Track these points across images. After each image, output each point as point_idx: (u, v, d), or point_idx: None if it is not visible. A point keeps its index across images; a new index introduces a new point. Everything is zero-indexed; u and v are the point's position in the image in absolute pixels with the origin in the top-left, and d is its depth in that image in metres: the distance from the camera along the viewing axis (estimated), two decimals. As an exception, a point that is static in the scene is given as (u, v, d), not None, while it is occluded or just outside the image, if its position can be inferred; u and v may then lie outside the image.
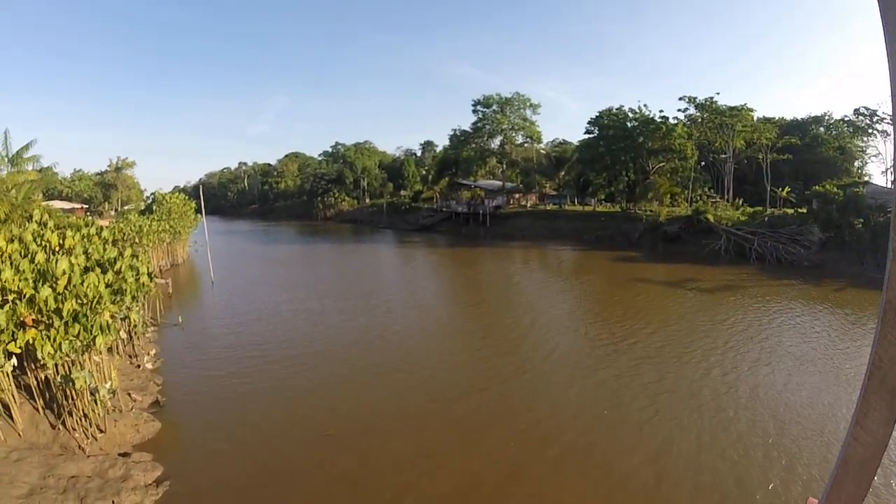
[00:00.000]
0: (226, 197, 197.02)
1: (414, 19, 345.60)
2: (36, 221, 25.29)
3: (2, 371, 15.01)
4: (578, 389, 21.57)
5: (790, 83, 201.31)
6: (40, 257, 18.61)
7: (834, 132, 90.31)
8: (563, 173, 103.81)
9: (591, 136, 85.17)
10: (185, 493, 14.34)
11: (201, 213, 61.30)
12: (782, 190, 69.38)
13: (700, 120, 77.26)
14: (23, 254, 19.35)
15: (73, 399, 16.43)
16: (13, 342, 14.90)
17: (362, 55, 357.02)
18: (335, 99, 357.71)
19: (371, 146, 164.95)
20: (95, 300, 17.53)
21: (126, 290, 20.49)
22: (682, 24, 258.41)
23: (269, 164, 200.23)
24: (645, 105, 79.23)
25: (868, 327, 29.90)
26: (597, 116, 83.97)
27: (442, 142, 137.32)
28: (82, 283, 17.36)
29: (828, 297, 37.72)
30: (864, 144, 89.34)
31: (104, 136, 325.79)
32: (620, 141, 78.47)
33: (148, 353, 24.86)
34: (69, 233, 22.96)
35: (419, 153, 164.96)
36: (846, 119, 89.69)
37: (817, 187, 58.87)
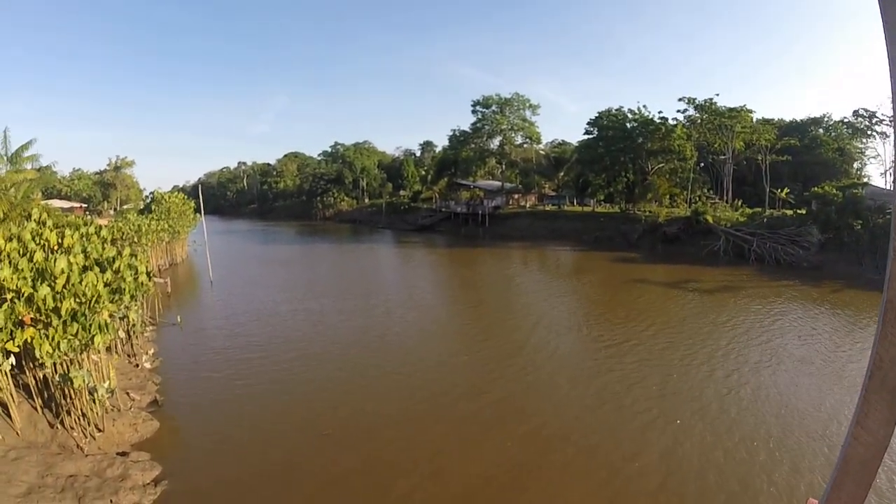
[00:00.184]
0: (225, 196, 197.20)
1: (414, 19, 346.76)
2: (35, 220, 25.24)
3: (0, 370, 14.99)
4: (581, 391, 21.51)
5: (789, 85, 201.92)
6: (39, 256, 18.56)
7: (833, 134, 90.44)
8: (562, 174, 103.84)
9: (591, 136, 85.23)
10: (184, 492, 14.32)
11: (200, 213, 61.25)
12: (781, 191, 69.45)
13: (699, 121, 77.32)
14: (21, 252, 19.31)
15: (71, 398, 16.39)
16: (11, 341, 14.86)
17: (362, 55, 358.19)
18: (335, 99, 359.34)
19: (370, 146, 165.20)
20: (94, 299, 17.49)
21: (125, 290, 20.45)
22: (681, 24, 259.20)
23: (269, 164, 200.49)
24: (644, 106, 79.41)
25: (868, 328, 29.93)
26: (596, 117, 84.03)
27: (441, 142, 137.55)
28: (81, 282, 17.32)
29: (827, 299, 37.73)
30: (862, 146, 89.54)
31: (104, 135, 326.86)
32: (620, 142, 78.50)
33: (146, 353, 24.82)
34: (68, 232, 22.92)
35: (418, 153, 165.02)
36: (845, 121, 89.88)
37: (816, 189, 58.97)
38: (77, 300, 16.76)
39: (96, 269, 19.15)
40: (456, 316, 36.57)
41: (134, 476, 14.45)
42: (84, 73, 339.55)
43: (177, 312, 33.28)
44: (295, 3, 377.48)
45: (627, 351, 26.30)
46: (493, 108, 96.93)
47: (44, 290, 15.79)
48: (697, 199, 74.58)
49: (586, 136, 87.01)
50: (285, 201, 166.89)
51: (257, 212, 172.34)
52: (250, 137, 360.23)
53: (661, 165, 76.37)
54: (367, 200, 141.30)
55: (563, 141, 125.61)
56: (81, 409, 16.56)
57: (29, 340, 15.17)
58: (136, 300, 23.13)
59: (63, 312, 15.91)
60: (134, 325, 24.86)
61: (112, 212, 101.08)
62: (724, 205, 71.76)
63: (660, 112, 78.30)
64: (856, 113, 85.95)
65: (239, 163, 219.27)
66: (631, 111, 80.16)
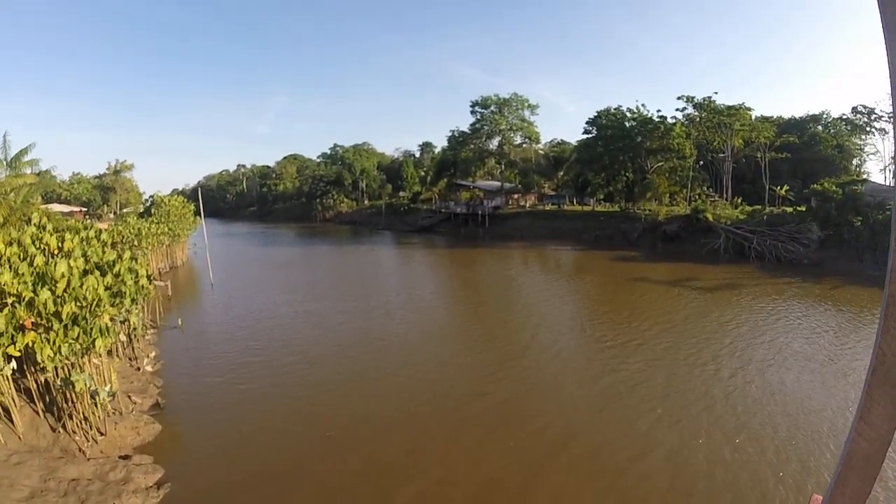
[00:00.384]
0: (224, 199, 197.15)
1: (414, 19, 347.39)
2: (35, 224, 25.25)
3: (1, 374, 14.99)
4: (586, 391, 21.49)
5: (789, 85, 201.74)
6: (39, 260, 18.57)
7: (832, 130, 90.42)
8: (561, 173, 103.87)
9: (590, 136, 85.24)
10: (186, 495, 14.31)
11: (200, 216, 61.26)
12: (781, 188, 69.49)
13: (698, 119, 77.31)
14: (22, 257, 19.33)
15: (73, 402, 16.39)
16: (13, 345, 14.87)
17: (361, 56, 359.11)
18: (334, 100, 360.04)
19: (369, 147, 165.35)
20: (95, 303, 17.50)
21: (125, 293, 20.48)
22: (681, 24, 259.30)
23: (268, 166, 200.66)
24: (643, 105, 79.42)
25: (869, 325, 29.94)
26: (595, 116, 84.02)
27: (440, 143, 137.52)
28: (81, 286, 17.33)
29: (828, 295, 37.72)
30: (862, 142, 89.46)
31: (103, 136, 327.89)
32: (619, 141, 78.51)
33: (148, 356, 24.83)
34: (68, 236, 22.94)
35: (418, 154, 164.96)
36: (844, 117, 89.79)
37: (816, 185, 58.95)
38: (78, 304, 16.76)
39: (97, 272, 19.17)
40: (457, 317, 36.56)
41: (136, 479, 14.45)
42: (83, 74, 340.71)
43: (178, 315, 33.26)
44: (295, 3, 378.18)
45: (631, 351, 26.26)
46: (492, 108, 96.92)
47: (44, 295, 15.80)
48: (697, 197, 74.60)
49: (585, 136, 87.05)
50: (285, 203, 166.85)
51: (257, 214, 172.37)
52: (249, 139, 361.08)
53: (660, 164, 76.33)
54: (366, 202, 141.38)
55: (562, 140, 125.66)
56: (83, 413, 16.56)
57: (30, 345, 15.17)
58: (136, 303, 23.15)
59: (64, 316, 15.91)
60: (135, 329, 24.84)
61: (112, 215, 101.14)
62: (723, 203, 71.75)
63: (658, 111, 78.46)
64: (855, 110, 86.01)
65: (238, 165, 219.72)
66: (630, 110, 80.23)
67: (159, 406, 20.19)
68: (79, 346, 16.08)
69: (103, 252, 22.72)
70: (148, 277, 24.09)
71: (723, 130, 75.53)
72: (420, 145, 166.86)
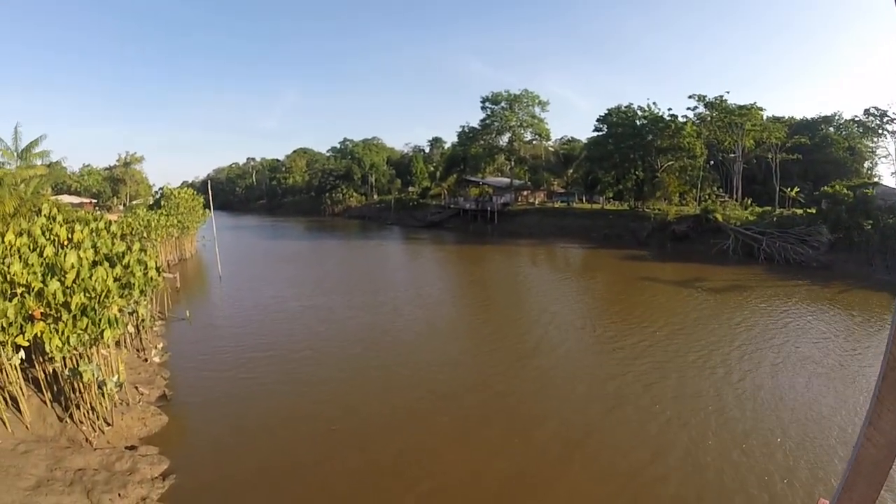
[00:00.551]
0: (234, 192, 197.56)
1: (425, 15, 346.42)
2: (45, 216, 25.40)
3: (10, 364, 15.11)
4: (598, 392, 21.40)
5: (800, 83, 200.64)
6: (49, 251, 18.70)
7: (844, 132, 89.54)
8: (571, 171, 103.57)
9: (600, 133, 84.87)
10: (191, 486, 14.40)
11: (209, 208, 61.42)
12: (791, 190, 69.05)
13: (709, 119, 76.81)
14: (32, 247, 19.45)
15: (80, 392, 16.51)
16: (21, 335, 14.98)
17: (371, 51, 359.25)
18: (343, 95, 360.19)
19: (379, 142, 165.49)
20: (104, 294, 17.59)
21: (134, 285, 20.58)
22: (689, 23, 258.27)
23: (278, 160, 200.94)
24: (654, 103, 78.93)
25: (879, 330, 29.75)
26: (606, 114, 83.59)
27: (450, 138, 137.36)
28: (91, 277, 17.43)
29: (837, 299, 37.46)
30: (874, 145, 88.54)
31: (113, 131, 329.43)
32: (629, 139, 78.09)
33: (155, 347, 24.94)
34: (78, 227, 23.08)
35: (427, 150, 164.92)
36: (856, 119, 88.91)
37: (826, 188, 58.48)
38: (87, 295, 16.86)
39: (106, 264, 19.27)
40: (466, 314, 36.54)
41: (142, 470, 14.54)
42: (95, 70, 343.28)
43: (186, 307, 33.47)
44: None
45: (642, 352, 26.11)
46: (503, 104, 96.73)
47: (54, 285, 15.91)
48: (707, 197, 74.16)
49: (596, 133, 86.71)
50: (294, 197, 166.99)
51: (266, 207, 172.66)
52: (259, 133, 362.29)
53: (670, 163, 75.92)
54: (375, 197, 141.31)
55: (572, 138, 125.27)
56: (90, 403, 16.67)
57: (39, 335, 15.28)
58: (145, 295, 23.29)
59: (73, 307, 16.02)
60: (143, 320, 25.00)
61: (121, 207, 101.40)
62: (733, 203, 71.27)
63: (669, 109, 77.98)
64: (867, 112, 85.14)
65: (248, 158, 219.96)
66: (641, 108, 79.75)
67: (166, 397, 20.30)
68: (87, 337, 16.18)
69: (113, 243, 22.84)
70: (157, 269, 24.20)
71: (734, 130, 75.05)
72: (430, 140, 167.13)
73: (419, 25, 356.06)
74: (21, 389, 15.47)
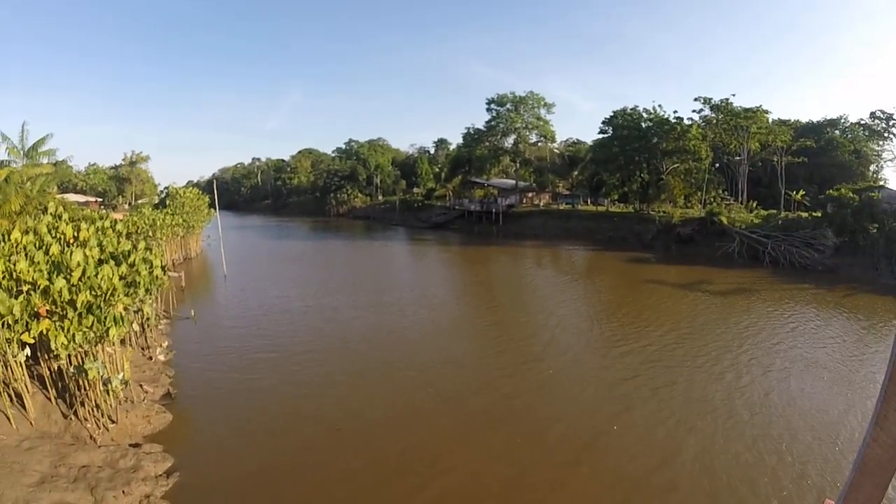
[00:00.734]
0: (239, 192, 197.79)
1: (431, 17, 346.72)
2: (51, 214, 25.51)
3: (15, 361, 15.17)
4: (605, 396, 21.35)
5: (808, 84, 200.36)
6: (55, 249, 18.79)
7: (849, 136, 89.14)
8: (576, 173, 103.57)
9: (605, 135, 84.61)
10: (195, 484, 14.45)
11: (215, 208, 61.52)
12: (797, 193, 68.86)
13: (715, 121, 76.59)
14: (38, 245, 19.55)
15: (85, 389, 16.58)
16: (27, 332, 15.04)
17: (376, 52, 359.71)
18: (349, 96, 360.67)
19: (384, 143, 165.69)
20: (109, 292, 17.66)
21: (140, 283, 20.64)
22: (693, 24, 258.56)
23: (283, 160, 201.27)
24: (659, 105, 78.66)
25: (886, 333, 29.66)
26: (611, 116, 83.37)
27: (455, 140, 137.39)
28: (96, 275, 17.50)
29: (842, 303, 37.31)
30: (879, 148, 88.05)
31: (119, 130, 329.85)
32: (634, 141, 77.87)
33: (160, 346, 25.02)
34: (83, 225, 23.17)
35: (432, 151, 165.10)
36: (862, 122, 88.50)
37: (832, 191, 58.32)
38: (93, 293, 16.92)
39: (112, 262, 19.34)
40: (471, 316, 36.49)
41: (146, 467, 14.59)
42: (101, 70, 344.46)
43: (191, 306, 33.52)
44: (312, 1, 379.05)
45: (649, 356, 26.02)
46: (508, 106, 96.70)
47: (59, 283, 15.97)
48: (712, 199, 73.90)
49: (601, 136, 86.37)
50: (299, 197, 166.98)
51: (271, 207, 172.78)
52: (264, 133, 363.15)
53: (675, 165, 75.73)
54: (380, 197, 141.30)
55: (577, 140, 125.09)
56: (95, 401, 16.74)
57: (44, 332, 15.34)
58: (150, 294, 23.33)
59: (79, 305, 16.07)
60: (148, 319, 25.06)
61: (127, 206, 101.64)
62: (738, 206, 71.06)
63: (675, 112, 77.79)
64: (873, 115, 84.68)
65: (253, 158, 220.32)
66: (646, 111, 79.53)
67: (170, 396, 20.38)
68: (93, 335, 16.25)
69: (118, 242, 22.93)
70: (162, 268, 24.25)
71: (739, 133, 74.82)
72: (435, 142, 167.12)
73: (424, 27, 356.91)
74: (26, 386, 15.53)
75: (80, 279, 17.03)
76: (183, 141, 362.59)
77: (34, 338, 15.24)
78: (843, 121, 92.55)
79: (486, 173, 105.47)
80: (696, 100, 77.76)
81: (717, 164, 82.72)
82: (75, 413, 16.34)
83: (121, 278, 18.91)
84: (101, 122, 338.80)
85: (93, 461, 14.29)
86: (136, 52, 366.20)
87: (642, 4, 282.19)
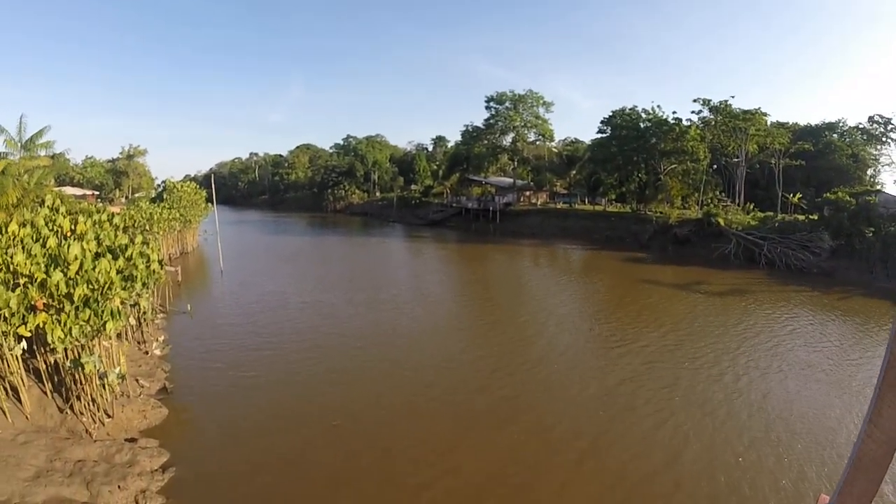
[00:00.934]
0: (236, 187, 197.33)
1: (433, 14, 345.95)
2: (48, 206, 25.45)
3: (12, 354, 15.14)
4: (594, 391, 21.51)
5: (812, 84, 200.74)
6: (52, 242, 18.74)
7: (847, 139, 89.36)
8: (574, 172, 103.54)
9: (604, 135, 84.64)
10: (191, 479, 14.45)
11: (212, 203, 61.43)
12: (794, 196, 68.95)
13: (713, 123, 76.68)
14: (35, 238, 19.49)
15: (81, 383, 16.55)
16: (24, 326, 15.02)
17: (376, 49, 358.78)
18: (347, 92, 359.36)
19: (382, 140, 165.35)
20: (106, 286, 17.64)
21: (137, 277, 20.62)
22: (696, 25, 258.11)
23: (281, 155, 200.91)
24: (658, 106, 78.71)
25: (878, 336, 29.77)
26: (610, 116, 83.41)
27: (453, 137, 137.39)
28: (94, 269, 17.47)
29: (837, 306, 37.44)
30: (877, 153, 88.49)
31: (115, 123, 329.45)
32: (633, 141, 77.93)
33: (156, 340, 25.01)
34: (81, 218, 23.10)
35: (430, 148, 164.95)
36: (860, 126, 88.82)
37: (829, 194, 58.43)
38: (90, 286, 16.90)
39: (109, 256, 19.32)
40: (466, 312, 36.54)
41: (142, 462, 14.59)
42: (98, 61, 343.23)
43: (187, 301, 33.49)
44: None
45: (639, 352, 26.25)
46: (507, 104, 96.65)
47: (57, 276, 15.94)
48: (709, 201, 73.96)
49: (599, 135, 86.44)
50: (296, 193, 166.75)
51: (268, 203, 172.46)
52: (262, 129, 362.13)
53: (673, 166, 75.79)
54: (378, 194, 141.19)
55: (575, 139, 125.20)
56: (91, 395, 16.72)
57: (41, 325, 15.31)
58: (147, 288, 23.28)
59: (76, 298, 16.06)
60: (145, 313, 25.05)
61: (124, 200, 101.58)
62: (735, 208, 71.17)
63: (674, 113, 77.73)
64: (871, 119, 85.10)
65: (251, 153, 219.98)
66: (645, 111, 79.58)
67: (167, 390, 20.36)
68: (89, 329, 16.23)
69: (115, 236, 22.89)
70: (159, 262, 24.23)
71: (738, 135, 74.88)
72: (433, 139, 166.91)
73: (425, 24, 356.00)
74: (22, 380, 15.52)
75: (77, 273, 17.01)
76: (180, 135, 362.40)
77: (31, 331, 15.22)
78: (841, 124, 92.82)
79: (484, 171, 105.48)
80: (694, 101, 77.92)
81: (715, 166, 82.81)
82: (71, 407, 16.33)
83: (118, 272, 18.89)
84: (100, 115, 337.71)
85: (88, 455, 14.28)
86: (135, 44, 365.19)
87: (643, 4, 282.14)
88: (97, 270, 17.50)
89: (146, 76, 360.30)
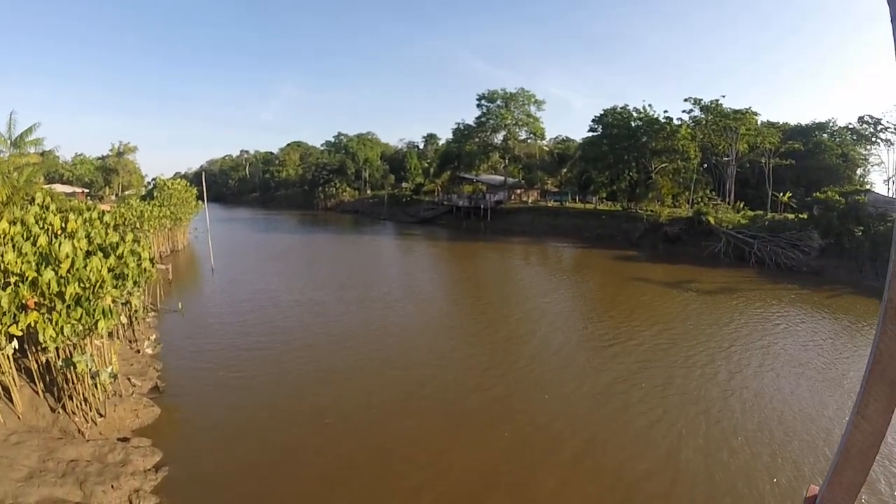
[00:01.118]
0: (227, 184, 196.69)
1: (426, 11, 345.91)
2: (38, 204, 25.28)
3: (3, 354, 15.05)
4: (588, 389, 21.55)
5: (812, 84, 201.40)
6: (43, 240, 18.60)
7: (837, 139, 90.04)
8: (565, 170, 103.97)
9: (595, 134, 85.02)
10: (184, 478, 14.41)
11: (203, 200, 61.26)
12: (784, 195, 69.42)
13: (704, 122, 77.06)
14: (25, 236, 19.35)
15: (73, 383, 16.46)
16: (15, 325, 14.91)
17: (368, 46, 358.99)
18: (340, 90, 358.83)
19: (373, 137, 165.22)
20: (98, 284, 17.52)
21: (128, 275, 20.49)
22: (693, 25, 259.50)
23: (271, 153, 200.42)
24: (650, 105, 79.08)
25: (867, 334, 30.05)
26: (601, 115, 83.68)
27: (445, 135, 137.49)
28: (85, 267, 17.35)
29: (827, 304, 37.75)
30: (866, 153, 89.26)
31: (105, 121, 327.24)
32: (624, 140, 78.29)
33: (148, 339, 24.90)
34: (71, 216, 22.95)
35: (422, 146, 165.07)
36: (850, 127, 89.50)
37: (819, 193, 58.91)
38: (81, 285, 16.79)
39: (100, 254, 19.17)
40: (457, 310, 36.63)
41: (135, 461, 14.54)
42: (89, 58, 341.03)
43: (178, 299, 33.38)
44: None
45: (631, 350, 26.38)
46: (498, 102, 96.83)
47: (48, 275, 15.83)
48: (700, 199, 74.38)
49: (591, 134, 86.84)
50: (287, 190, 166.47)
51: (259, 200, 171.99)
52: (253, 127, 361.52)
53: (664, 165, 76.16)
54: (369, 192, 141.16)
55: (566, 137, 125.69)
56: (83, 394, 16.63)
57: (32, 324, 15.21)
58: (138, 286, 23.17)
59: (67, 297, 15.96)
60: (136, 311, 24.95)
61: (114, 197, 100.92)
62: (726, 206, 71.61)
63: (665, 112, 78.27)
64: (860, 119, 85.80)
65: (241, 151, 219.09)
66: (636, 110, 79.92)
67: (158, 389, 20.28)
68: (81, 328, 16.13)
69: (106, 234, 22.75)
70: (150, 260, 24.12)
71: (728, 134, 75.33)
72: (424, 137, 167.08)
73: (419, 22, 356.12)
74: (13, 380, 15.42)
75: (68, 271, 16.88)
76: (170, 132, 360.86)
77: (22, 330, 15.11)
78: (831, 124, 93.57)
79: (476, 169, 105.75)
80: (685, 100, 78.29)
81: (706, 165, 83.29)
82: (63, 407, 16.23)
83: (109, 270, 18.77)
84: (89, 113, 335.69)
85: (81, 455, 14.22)
86: (126, 42, 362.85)
87: (644, 4, 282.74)
88: (88, 269, 17.38)
89: (137, 74, 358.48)
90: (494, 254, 65.17)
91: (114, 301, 19.27)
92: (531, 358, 25.40)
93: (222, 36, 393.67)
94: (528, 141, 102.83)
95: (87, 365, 15.80)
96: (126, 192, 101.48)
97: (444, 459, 16.08)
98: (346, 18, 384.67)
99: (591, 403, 20.36)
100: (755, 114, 76.42)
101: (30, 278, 15.86)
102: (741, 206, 71.79)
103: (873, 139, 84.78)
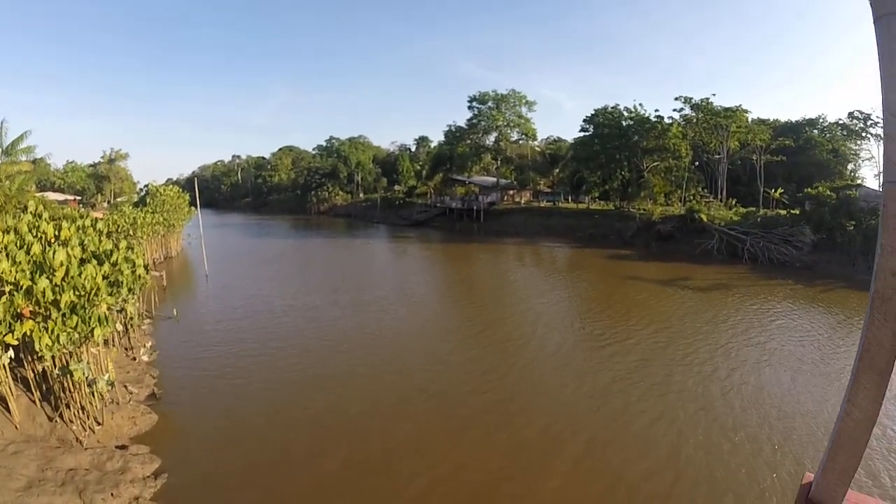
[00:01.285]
0: (219, 190, 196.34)
1: (418, 14, 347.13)
2: (31, 213, 25.18)
3: (-1, 363, 14.98)
4: (587, 389, 21.53)
5: (794, 84, 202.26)
6: (36, 248, 18.52)
7: (827, 135, 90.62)
8: (557, 171, 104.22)
9: (587, 133, 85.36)
10: (183, 485, 14.36)
11: (196, 206, 61.12)
12: (775, 191, 69.83)
13: (695, 120, 77.44)
14: (19, 245, 19.27)
15: (70, 391, 16.38)
16: (10, 334, 14.84)
17: (361, 49, 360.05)
18: (331, 93, 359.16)
19: (365, 140, 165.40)
20: (93, 292, 17.46)
21: (123, 282, 20.45)
22: (684, 26, 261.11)
23: (263, 158, 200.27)
24: (640, 104, 79.57)
25: (860, 328, 30.15)
26: (592, 115, 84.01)
27: (437, 137, 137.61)
28: (80, 275, 17.29)
29: (821, 298, 37.99)
30: (857, 148, 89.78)
31: (96, 124, 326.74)
32: (615, 139, 78.63)
33: (144, 346, 24.76)
34: (65, 224, 22.89)
35: (413, 148, 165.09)
36: (840, 122, 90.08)
37: (810, 189, 59.33)
38: (76, 293, 16.73)
39: (94, 261, 19.13)
40: (452, 313, 36.58)
41: (134, 469, 14.48)
42: (79, 61, 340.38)
43: (173, 306, 33.27)
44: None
45: (629, 349, 26.43)
46: (490, 104, 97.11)
47: (43, 283, 15.76)
48: (692, 197, 74.75)
49: (582, 134, 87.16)
50: (279, 195, 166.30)
51: (251, 205, 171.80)
52: (246, 130, 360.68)
53: (656, 164, 76.54)
54: (361, 195, 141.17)
55: (558, 138, 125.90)
56: (80, 403, 16.55)
57: (28, 333, 15.14)
58: (133, 293, 23.11)
59: (62, 305, 15.89)
60: (131, 319, 24.84)
61: (106, 204, 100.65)
62: (718, 204, 71.93)
63: (656, 110, 78.68)
64: (851, 115, 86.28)
65: (233, 156, 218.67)
66: (627, 109, 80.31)
67: (155, 396, 20.19)
68: (77, 336, 16.07)
69: (100, 241, 22.68)
70: (145, 267, 24.06)
71: (719, 132, 75.76)
72: (416, 139, 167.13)
73: (410, 24, 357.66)
74: (10, 389, 15.33)
75: (63, 279, 16.82)
76: (162, 137, 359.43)
77: (18, 339, 15.03)
78: (821, 120, 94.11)
79: (468, 171, 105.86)
80: (676, 99, 78.76)
81: (697, 163, 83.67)
82: (60, 415, 16.15)
83: (104, 278, 18.72)
84: (78, 117, 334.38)
85: (80, 464, 14.15)
86: (116, 45, 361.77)
87: (632, 6, 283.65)
88: (83, 276, 17.32)
89: (127, 79, 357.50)
90: (488, 255, 65.24)
91: (109, 308, 19.18)
92: (529, 359, 25.39)
93: (211, 38, 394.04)
94: (520, 142, 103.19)
95: (83, 373, 15.74)
96: (118, 199, 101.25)
97: (444, 463, 16.03)
98: (336, 20, 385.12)
99: (590, 403, 20.36)
100: (745, 111, 76.88)
101: (24, 287, 15.78)
102: (733, 203, 72.12)
103: (864, 134, 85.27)
